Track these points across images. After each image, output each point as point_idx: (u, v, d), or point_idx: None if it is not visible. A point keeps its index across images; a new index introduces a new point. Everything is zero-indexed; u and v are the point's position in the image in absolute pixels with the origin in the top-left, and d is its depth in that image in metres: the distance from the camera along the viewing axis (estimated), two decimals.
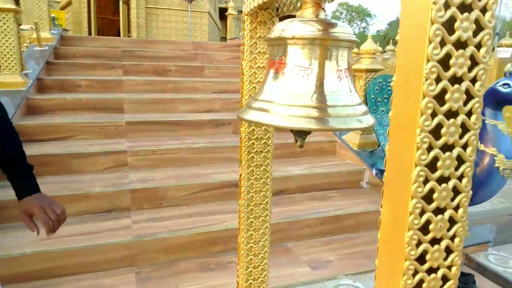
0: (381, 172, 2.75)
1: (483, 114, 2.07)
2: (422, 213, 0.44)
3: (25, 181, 1.14)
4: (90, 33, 9.17)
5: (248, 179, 1.23)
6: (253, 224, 1.25)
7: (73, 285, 1.81)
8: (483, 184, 2.09)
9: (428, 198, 0.44)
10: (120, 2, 9.40)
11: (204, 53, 5.53)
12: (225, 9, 8.56)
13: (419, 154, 0.42)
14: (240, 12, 6.27)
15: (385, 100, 2.88)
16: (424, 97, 0.40)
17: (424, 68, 0.40)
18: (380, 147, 3.18)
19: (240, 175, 1.21)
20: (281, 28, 0.84)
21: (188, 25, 9.90)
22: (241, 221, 1.23)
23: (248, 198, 1.22)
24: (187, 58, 5.23)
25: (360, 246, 2.33)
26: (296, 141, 0.92)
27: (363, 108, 0.86)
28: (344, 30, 0.83)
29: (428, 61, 0.39)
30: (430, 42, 0.39)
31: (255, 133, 1.27)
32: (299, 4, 1.06)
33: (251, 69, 1.14)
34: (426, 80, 0.40)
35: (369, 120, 0.85)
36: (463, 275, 2.05)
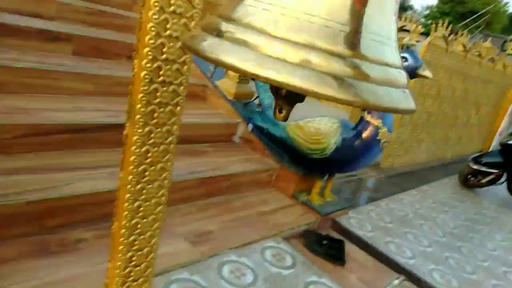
0: (258, 128, 2.53)
1: None
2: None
3: None
4: None
5: (142, 142, 0.81)
6: (144, 192, 0.86)
7: None
8: (364, 153, 2.11)
9: None
10: None
11: None
12: None
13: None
14: None
15: None
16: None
17: None
18: (256, 99, 2.96)
19: (127, 134, 0.79)
20: None
21: None
22: (124, 188, 0.83)
23: (142, 153, 0.83)
24: None
25: (240, 211, 2.11)
26: (280, 111, 0.54)
27: (404, 73, 0.54)
28: None
29: None
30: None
31: (161, 73, 0.85)
32: None
33: None
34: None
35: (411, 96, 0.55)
36: (333, 241, 2.08)
